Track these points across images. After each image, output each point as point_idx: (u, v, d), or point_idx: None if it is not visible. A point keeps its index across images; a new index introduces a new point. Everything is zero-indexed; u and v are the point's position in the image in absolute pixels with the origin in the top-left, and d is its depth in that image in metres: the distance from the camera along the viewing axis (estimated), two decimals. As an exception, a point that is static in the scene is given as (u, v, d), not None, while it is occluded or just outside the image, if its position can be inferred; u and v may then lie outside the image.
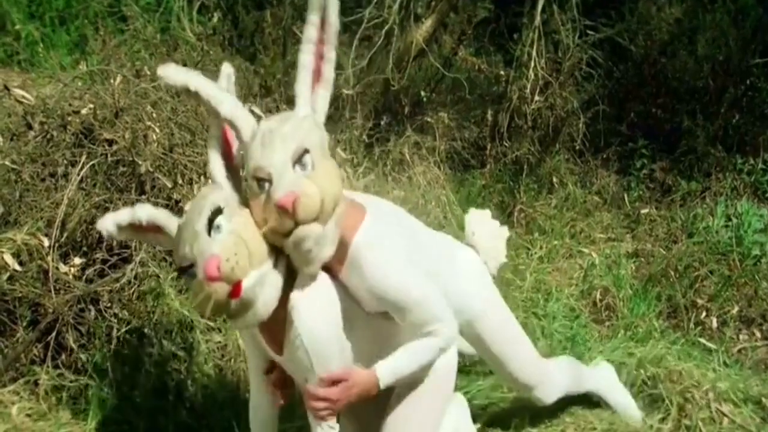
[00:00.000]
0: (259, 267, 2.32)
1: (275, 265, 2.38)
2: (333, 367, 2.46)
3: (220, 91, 2.41)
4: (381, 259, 2.46)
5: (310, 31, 2.37)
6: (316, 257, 2.36)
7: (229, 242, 2.27)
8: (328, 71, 2.42)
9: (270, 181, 2.27)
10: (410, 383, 2.68)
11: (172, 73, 2.35)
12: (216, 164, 2.46)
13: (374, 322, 2.59)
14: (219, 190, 2.40)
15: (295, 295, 2.41)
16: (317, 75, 2.42)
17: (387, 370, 2.50)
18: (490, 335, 3.00)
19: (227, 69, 2.54)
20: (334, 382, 2.47)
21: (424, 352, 2.56)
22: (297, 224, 2.28)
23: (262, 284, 2.32)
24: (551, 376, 3.21)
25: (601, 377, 3.43)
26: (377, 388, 2.50)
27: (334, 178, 2.37)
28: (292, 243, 2.31)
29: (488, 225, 3.19)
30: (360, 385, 2.49)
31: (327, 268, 2.48)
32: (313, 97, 2.42)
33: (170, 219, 2.46)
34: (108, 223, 2.52)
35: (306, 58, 2.39)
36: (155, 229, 2.48)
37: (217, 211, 2.30)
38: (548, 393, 3.20)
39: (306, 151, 2.30)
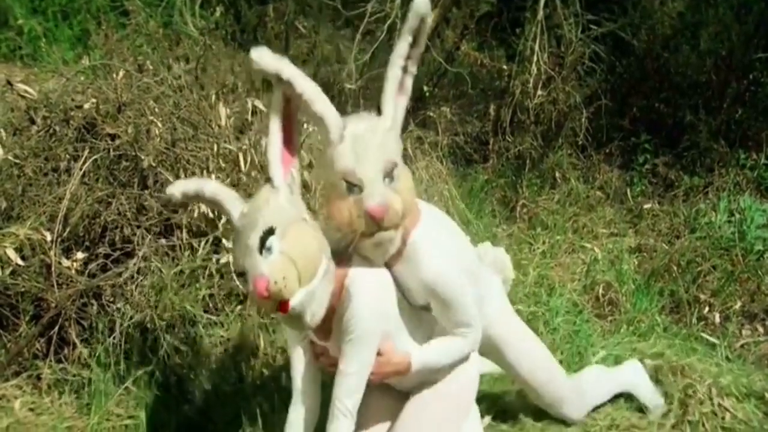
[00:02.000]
0: (308, 284, 2.42)
1: (326, 273, 2.48)
2: (371, 346, 2.59)
3: (315, 86, 2.49)
4: (437, 255, 2.64)
5: (403, 47, 2.56)
6: (386, 255, 2.60)
7: (279, 264, 2.36)
8: (409, 83, 2.60)
9: (360, 188, 2.46)
10: (430, 397, 2.84)
11: (267, 59, 2.44)
12: (276, 166, 2.52)
13: (416, 316, 2.75)
14: (274, 199, 2.47)
15: (353, 275, 2.58)
16: (401, 86, 2.59)
17: (419, 357, 2.69)
18: (513, 352, 3.17)
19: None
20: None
21: (452, 350, 2.75)
22: (380, 229, 2.50)
23: (311, 300, 2.44)
24: (579, 393, 3.31)
25: (630, 374, 3.48)
26: (408, 371, 2.67)
27: (412, 189, 2.61)
28: (373, 244, 2.55)
29: (495, 252, 3.37)
30: (394, 364, 2.66)
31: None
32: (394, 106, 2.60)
33: (234, 202, 2.54)
34: (176, 190, 2.62)
35: (395, 71, 2.56)
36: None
37: (269, 232, 2.38)
38: (577, 409, 3.33)
39: (395, 165, 2.50)
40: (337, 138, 2.49)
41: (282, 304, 2.39)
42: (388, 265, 2.68)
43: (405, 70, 2.58)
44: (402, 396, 2.86)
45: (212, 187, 2.60)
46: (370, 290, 2.58)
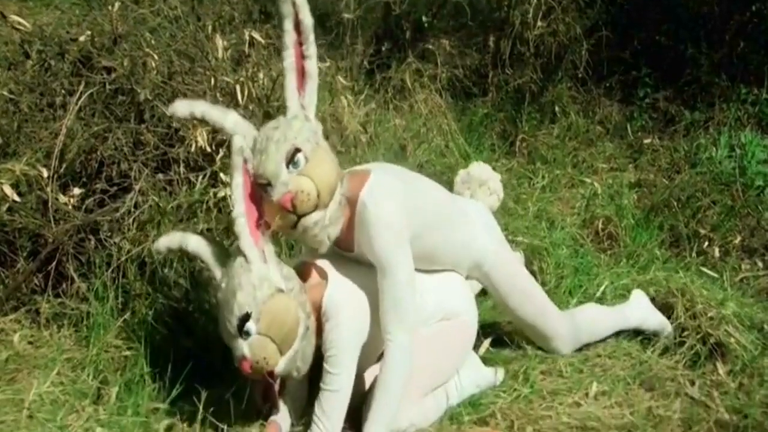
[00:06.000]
0: (289, 349, 2.64)
1: (304, 333, 2.67)
2: (350, 364, 2.72)
3: (223, 110, 2.71)
4: (381, 215, 2.69)
5: (287, 38, 2.65)
6: (324, 239, 2.70)
7: (258, 346, 2.60)
8: (311, 66, 2.68)
9: (270, 185, 2.58)
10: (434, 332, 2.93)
11: (178, 108, 2.71)
12: (246, 237, 2.65)
13: None
14: (246, 279, 2.60)
15: (327, 296, 2.74)
16: (301, 72, 2.68)
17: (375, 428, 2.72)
18: (503, 281, 3.18)
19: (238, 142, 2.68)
20: None
21: (393, 374, 2.73)
22: (300, 217, 2.62)
23: (294, 361, 2.66)
24: (571, 329, 3.32)
25: (634, 310, 3.48)
26: None
27: (328, 165, 2.67)
28: (300, 232, 2.66)
29: (474, 171, 3.47)
30: None
31: (342, 241, 2.79)
32: (301, 94, 2.68)
33: (215, 260, 2.76)
34: (161, 245, 2.86)
35: (289, 61, 2.67)
36: None
37: (245, 318, 2.56)
38: (567, 344, 3.34)
39: (297, 150, 2.58)
40: (251, 148, 2.63)
41: (268, 373, 2.65)
42: (348, 243, 2.79)
43: (302, 56, 2.65)
44: None
45: (194, 242, 2.78)
46: (345, 307, 2.73)
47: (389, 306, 2.70)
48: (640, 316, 3.44)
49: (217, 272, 2.72)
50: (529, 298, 3.22)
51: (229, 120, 2.68)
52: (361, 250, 2.78)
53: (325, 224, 2.65)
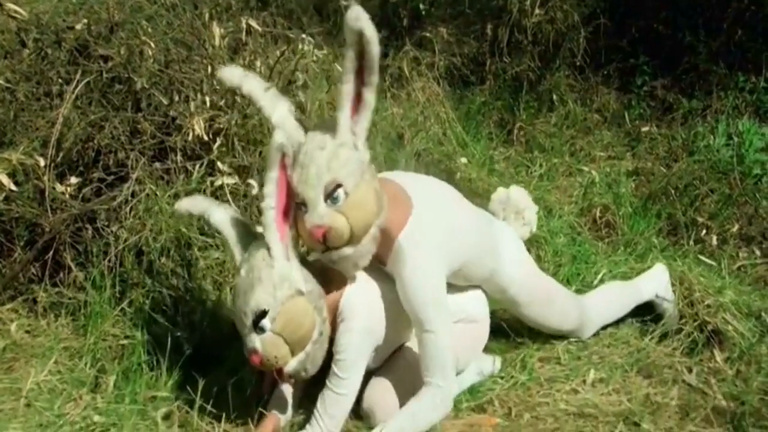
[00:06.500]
0: (301, 351, 2.63)
1: (318, 338, 2.66)
2: (359, 368, 2.73)
3: (274, 98, 2.63)
4: (419, 265, 2.69)
5: (349, 64, 2.51)
6: (351, 269, 2.71)
7: (270, 344, 2.59)
8: (369, 95, 2.55)
9: (306, 206, 2.55)
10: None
11: (229, 75, 2.67)
12: (273, 232, 2.61)
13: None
14: (267, 275, 2.57)
15: (345, 298, 2.73)
16: (358, 99, 2.56)
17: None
18: (524, 300, 3.18)
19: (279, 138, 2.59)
20: None
21: (425, 412, 2.75)
22: (327, 249, 2.60)
23: (304, 363, 2.67)
24: (587, 321, 3.36)
25: (648, 282, 3.51)
26: None
27: (367, 205, 2.60)
28: (328, 261, 2.66)
29: (514, 196, 3.43)
30: None
31: (377, 257, 2.74)
32: (354, 120, 2.58)
33: (236, 241, 2.74)
34: (183, 207, 2.90)
35: (347, 87, 2.54)
36: None
37: (262, 314, 2.55)
38: (584, 333, 3.39)
39: (338, 185, 2.52)
40: (295, 149, 2.58)
41: (277, 370, 2.67)
42: (382, 261, 2.77)
43: (362, 82, 2.54)
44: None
45: (219, 215, 2.77)
46: (362, 312, 2.71)
47: (431, 357, 2.71)
48: (654, 288, 3.47)
49: (237, 253, 2.71)
50: (542, 304, 3.24)
51: (278, 113, 2.62)
52: (391, 270, 2.77)
53: (355, 257, 2.64)
